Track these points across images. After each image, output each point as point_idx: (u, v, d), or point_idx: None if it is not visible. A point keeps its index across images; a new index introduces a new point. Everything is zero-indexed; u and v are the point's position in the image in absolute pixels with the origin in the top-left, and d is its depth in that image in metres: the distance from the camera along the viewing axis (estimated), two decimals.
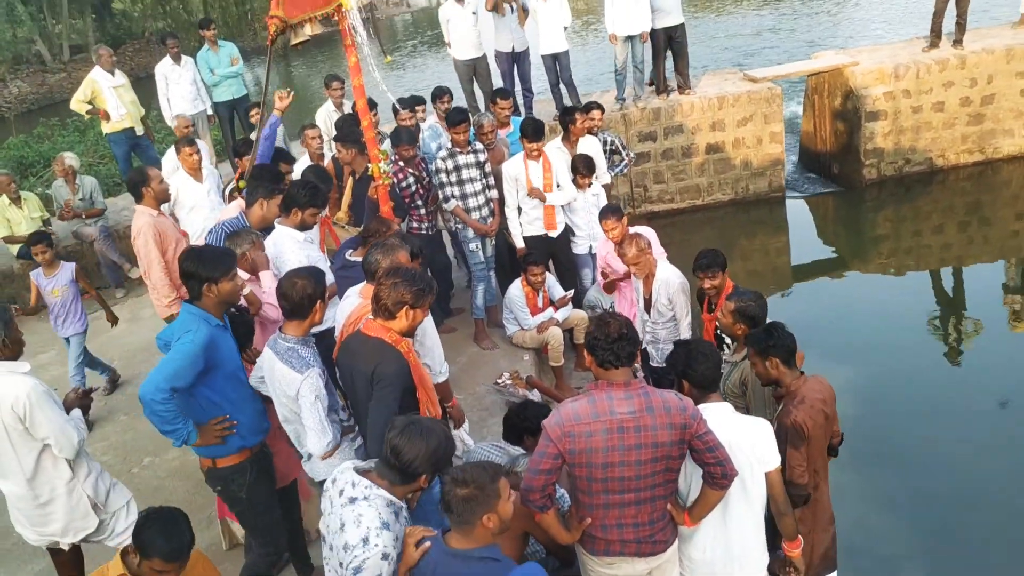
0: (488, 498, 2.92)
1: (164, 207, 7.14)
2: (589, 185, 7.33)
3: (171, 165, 8.03)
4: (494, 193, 7.15)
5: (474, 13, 10.36)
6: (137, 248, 6.05)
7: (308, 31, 4.71)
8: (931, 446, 6.79)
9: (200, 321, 3.80)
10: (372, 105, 7.81)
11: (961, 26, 11.85)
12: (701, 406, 3.64)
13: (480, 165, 6.98)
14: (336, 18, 4.77)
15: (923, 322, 8.99)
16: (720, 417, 3.67)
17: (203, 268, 3.82)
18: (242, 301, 4.53)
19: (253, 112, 9.50)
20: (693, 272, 5.37)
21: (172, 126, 10.82)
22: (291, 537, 4.56)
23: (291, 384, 3.77)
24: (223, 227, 5.29)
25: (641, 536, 3.54)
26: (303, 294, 3.84)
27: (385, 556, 2.90)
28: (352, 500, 3.04)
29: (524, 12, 10.23)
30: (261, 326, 4.83)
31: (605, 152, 8.13)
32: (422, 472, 3.05)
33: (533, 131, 6.95)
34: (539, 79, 11.53)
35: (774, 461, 3.68)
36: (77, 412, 4.34)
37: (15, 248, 9.23)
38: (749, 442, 3.64)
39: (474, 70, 10.71)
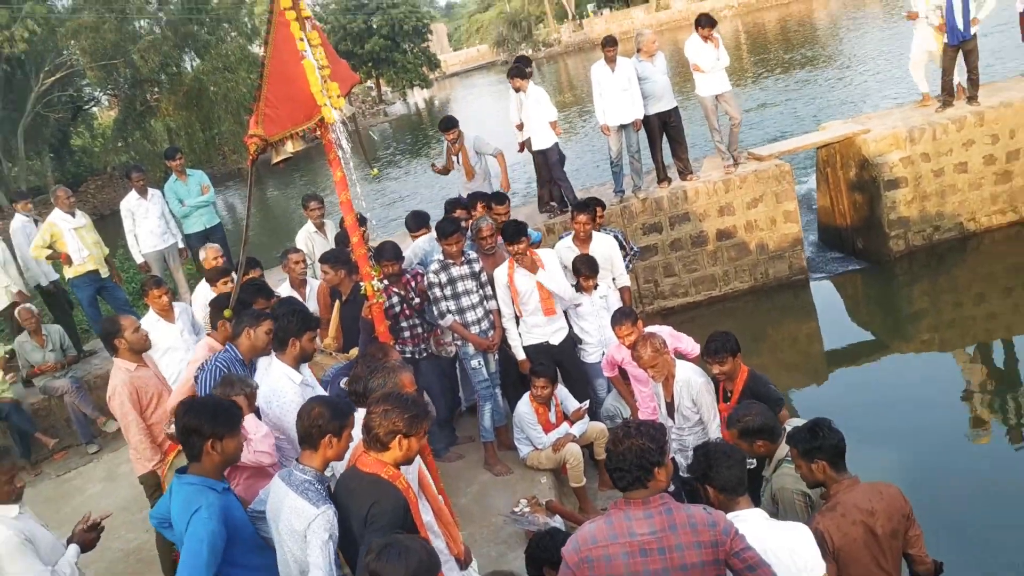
0: None
1: None
2: (595, 287, 7.43)
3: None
4: (493, 304, 7.24)
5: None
6: (113, 408, 6.14)
7: (289, 148, 4.86)
8: (1004, 533, 6.64)
9: (205, 493, 3.77)
10: (363, 221, 8.03)
11: (974, 82, 12.22)
12: (731, 515, 3.62)
13: (475, 276, 7.10)
14: (318, 133, 4.96)
15: (976, 401, 8.95)
16: (753, 524, 3.64)
17: (207, 424, 3.82)
18: None
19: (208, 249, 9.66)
20: (702, 357, 5.44)
21: (139, 264, 11.06)
22: None
23: (303, 517, 3.72)
24: (216, 364, 5.37)
25: None
26: (313, 422, 3.86)
27: None
28: None
29: (471, 168, 10.70)
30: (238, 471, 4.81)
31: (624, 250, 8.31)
32: None
33: (513, 232, 7.05)
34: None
35: (819, 568, 3.62)
36: (71, 553, 4.39)
37: None
38: (787, 549, 3.60)
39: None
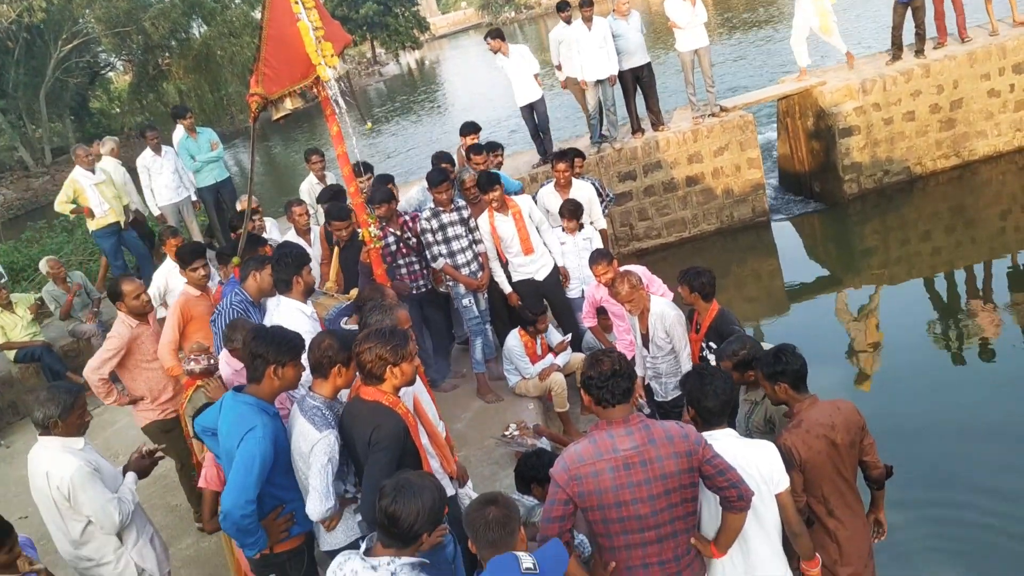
0: (516, 522, 2.97)
1: (155, 301, 7.17)
2: (580, 228, 7.39)
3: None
4: (482, 247, 7.18)
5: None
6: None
7: (288, 105, 4.77)
8: (945, 438, 6.77)
9: (259, 414, 3.73)
10: (368, 168, 7.90)
11: (921, 36, 12.09)
12: (705, 434, 3.63)
13: (464, 222, 7.03)
14: (315, 90, 4.84)
15: (922, 325, 9.01)
16: (724, 443, 3.65)
17: (272, 351, 3.77)
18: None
19: (242, 200, 9.49)
20: (678, 283, 5.44)
21: (156, 215, 10.92)
22: None
23: (308, 440, 3.72)
24: (232, 306, 5.32)
25: (670, 572, 3.49)
26: (323, 353, 3.82)
27: None
28: None
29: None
30: None
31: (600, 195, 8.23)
32: (423, 532, 3.03)
33: (485, 182, 7.02)
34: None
35: (783, 482, 3.65)
36: (130, 479, 4.39)
37: (12, 353, 9.22)
38: (755, 464, 3.61)
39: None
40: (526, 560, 2.82)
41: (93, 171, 10.06)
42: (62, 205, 10.14)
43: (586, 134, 12.27)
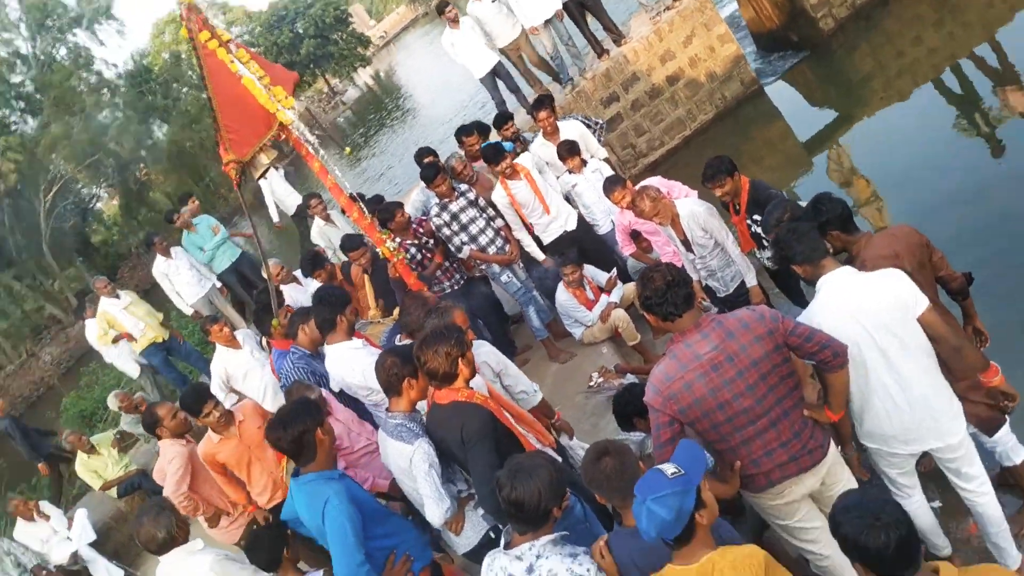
0: (633, 463, 2.97)
1: (220, 392, 7.26)
2: (584, 164, 7.28)
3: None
4: (499, 222, 7.13)
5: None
6: (172, 490, 5.87)
7: (264, 160, 4.80)
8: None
9: (326, 484, 3.73)
10: (362, 197, 7.90)
11: None
12: (824, 277, 3.56)
13: (474, 203, 6.98)
14: (283, 136, 4.85)
15: (949, 126, 8.77)
16: (844, 281, 3.57)
17: (300, 422, 3.75)
18: None
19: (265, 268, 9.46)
20: (704, 185, 5.34)
21: (189, 315, 11.05)
22: None
23: (403, 456, 3.76)
24: (293, 363, 5.39)
25: (794, 452, 3.45)
26: (389, 373, 3.86)
27: None
28: (530, 570, 3.00)
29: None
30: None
31: (590, 128, 8.12)
32: (551, 508, 3.02)
33: (493, 155, 6.97)
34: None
35: (921, 302, 3.50)
36: None
37: (114, 491, 9.43)
38: (890, 292, 3.49)
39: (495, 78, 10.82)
40: (668, 468, 2.80)
41: (118, 296, 10.20)
42: (101, 339, 10.29)
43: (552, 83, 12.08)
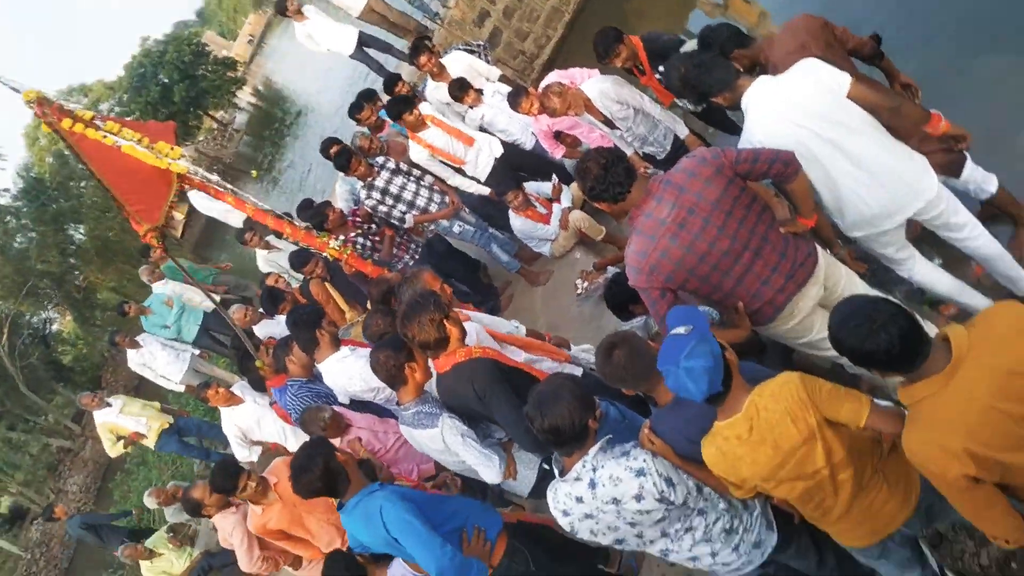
0: (643, 346, 3.02)
1: (243, 450, 7.24)
2: (480, 93, 7.12)
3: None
4: (429, 178, 7.02)
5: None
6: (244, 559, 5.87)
7: (178, 216, 4.70)
8: None
9: (369, 498, 3.69)
10: (289, 215, 7.75)
11: None
12: (744, 97, 3.54)
13: (397, 171, 6.86)
14: (187, 186, 4.73)
15: None
16: (764, 91, 3.58)
17: (323, 456, 3.71)
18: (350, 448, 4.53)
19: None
20: (600, 63, 5.27)
21: (183, 391, 10.93)
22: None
23: (435, 439, 3.76)
24: (294, 397, 5.34)
25: (787, 271, 3.45)
26: (387, 367, 3.81)
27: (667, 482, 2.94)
28: (592, 485, 3.01)
29: None
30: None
31: (473, 53, 7.95)
32: (586, 421, 3.02)
33: (396, 110, 6.81)
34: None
35: (844, 80, 3.50)
36: None
37: None
38: (808, 86, 3.50)
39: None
40: (679, 329, 2.83)
41: (109, 404, 10.07)
42: (113, 449, 10.20)
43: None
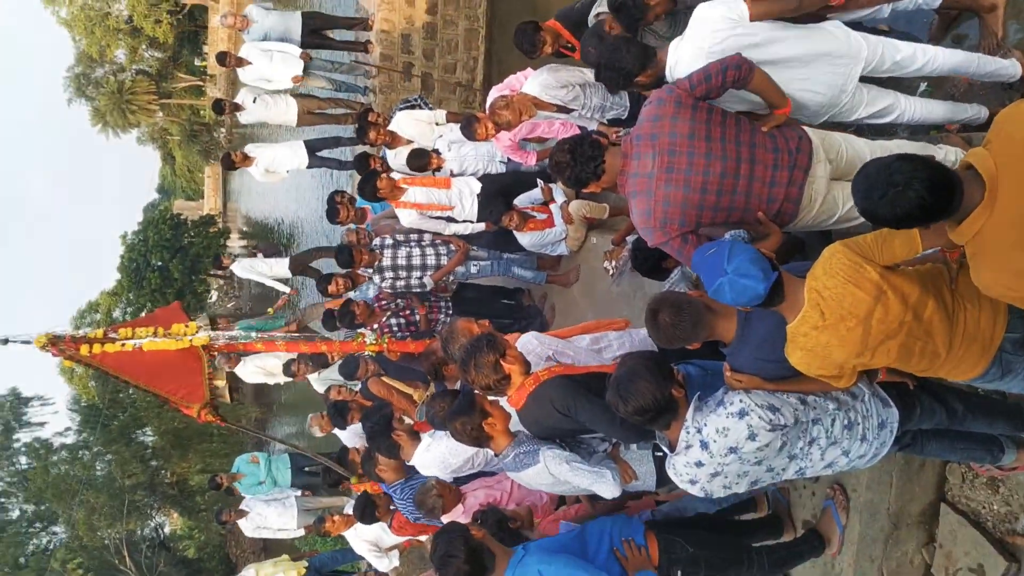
0: (685, 301, 2.99)
1: (381, 561, 7.34)
2: (437, 154, 7.12)
3: None
4: (428, 235, 7.06)
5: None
6: None
7: (219, 383, 4.81)
8: None
9: (521, 566, 3.54)
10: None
11: None
12: (666, 63, 3.61)
13: (396, 244, 6.92)
14: (215, 354, 4.84)
15: None
16: (677, 49, 3.65)
17: (463, 547, 3.51)
18: None
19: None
20: (531, 58, 5.30)
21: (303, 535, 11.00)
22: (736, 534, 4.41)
23: (542, 475, 3.72)
24: (403, 499, 5.36)
25: (788, 163, 3.41)
26: (467, 433, 3.77)
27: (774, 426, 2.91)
28: (704, 445, 2.98)
29: None
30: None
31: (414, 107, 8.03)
32: (669, 391, 3.01)
33: (368, 190, 6.79)
34: None
35: (741, 7, 3.52)
36: None
37: None
38: (710, 25, 3.55)
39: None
40: (710, 248, 2.85)
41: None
42: None
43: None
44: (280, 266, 10.66)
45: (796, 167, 3.41)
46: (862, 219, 3.47)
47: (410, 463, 4.99)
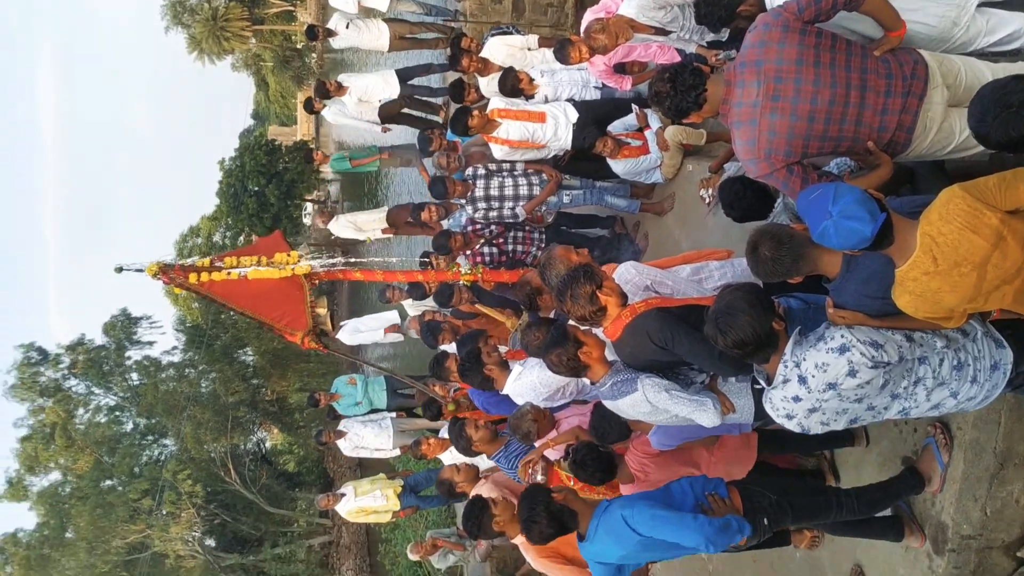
0: (786, 234, 2.90)
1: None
2: (530, 79, 6.88)
3: None
4: (519, 166, 7.05)
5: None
6: None
7: (321, 312, 4.96)
8: None
9: (605, 515, 3.68)
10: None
11: None
12: None
13: (488, 174, 6.93)
14: (316, 282, 4.97)
15: None
16: None
17: (535, 505, 3.75)
18: None
19: None
20: None
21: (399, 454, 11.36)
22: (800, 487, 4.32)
23: (639, 404, 3.70)
24: (512, 458, 5.37)
25: (902, 90, 3.28)
26: (564, 362, 3.75)
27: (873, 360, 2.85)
28: (802, 380, 2.96)
29: None
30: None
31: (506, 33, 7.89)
32: (769, 324, 2.96)
33: (459, 126, 6.76)
34: None
35: None
36: None
37: None
38: None
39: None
40: (815, 191, 2.78)
41: (343, 494, 10.62)
42: (373, 517, 10.72)
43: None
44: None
45: (911, 94, 3.26)
46: (980, 148, 3.34)
47: (504, 392, 5.07)
